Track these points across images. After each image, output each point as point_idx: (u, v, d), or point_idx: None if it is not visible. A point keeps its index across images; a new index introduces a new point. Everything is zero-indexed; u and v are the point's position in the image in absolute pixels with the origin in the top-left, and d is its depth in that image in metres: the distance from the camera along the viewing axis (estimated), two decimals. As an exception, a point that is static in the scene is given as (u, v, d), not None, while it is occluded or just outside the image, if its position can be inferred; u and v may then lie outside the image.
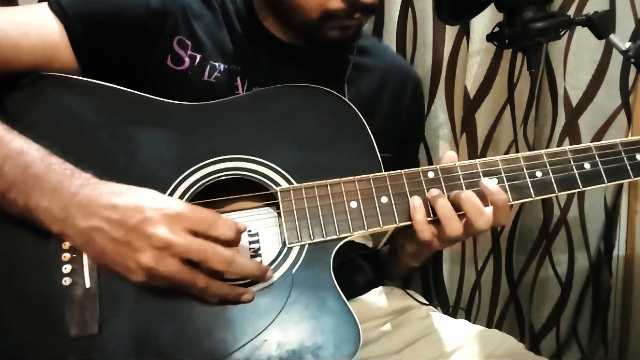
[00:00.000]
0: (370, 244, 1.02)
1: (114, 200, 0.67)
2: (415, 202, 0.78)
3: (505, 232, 1.39)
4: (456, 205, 0.77)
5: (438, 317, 0.98)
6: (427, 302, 1.01)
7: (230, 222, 0.69)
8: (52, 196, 0.67)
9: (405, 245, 0.88)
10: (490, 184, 0.78)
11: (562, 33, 0.87)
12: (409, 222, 0.78)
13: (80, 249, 0.70)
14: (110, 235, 0.65)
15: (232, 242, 0.69)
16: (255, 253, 0.79)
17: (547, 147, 1.28)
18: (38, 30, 0.78)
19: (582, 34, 1.19)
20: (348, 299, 0.73)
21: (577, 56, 1.22)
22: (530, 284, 1.41)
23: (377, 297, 0.99)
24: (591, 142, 0.95)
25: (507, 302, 1.46)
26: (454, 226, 0.76)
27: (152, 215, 0.65)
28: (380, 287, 1.01)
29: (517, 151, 0.85)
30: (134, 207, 0.66)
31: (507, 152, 1.30)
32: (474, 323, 1.04)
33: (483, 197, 0.78)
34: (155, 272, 0.65)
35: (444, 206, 0.76)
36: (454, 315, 1.12)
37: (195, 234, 0.67)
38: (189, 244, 0.65)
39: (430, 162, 1.25)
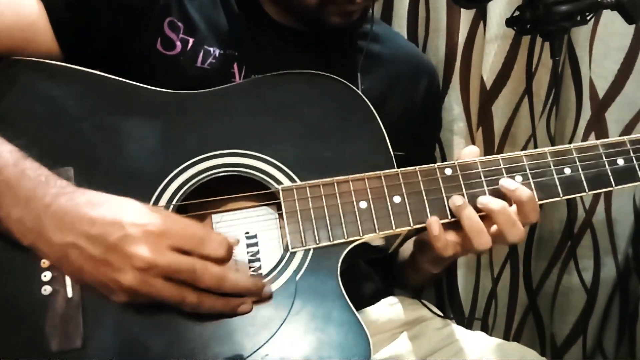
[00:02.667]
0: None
1: (91, 212, 0.65)
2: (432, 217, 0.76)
3: (523, 236, 1.39)
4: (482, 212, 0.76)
5: (454, 329, 0.98)
6: (441, 313, 1.00)
7: (220, 238, 0.67)
8: (25, 206, 0.65)
9: (425, 248, 0.87)
10: (508, 183, 0.77)
11: (588, 17, 0.87)
12: (425, 225, 0.77)
13: (56, 265, 0.68)
14: (87, 252, 0.64)
15: (222, 261, 0.67)
16: (254, 257, 0.78)
17: (570, 143, 1.26)
18: (14, 9, 0.77)
19: (610, 17, 1.18)
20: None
21: (604, 43, 1.20)
22: (551, 292, 1.41)
23: (387, 308, 0.98)
24: (620, 137, 0.94)
25: (526, 312, 1.46)
26: (482, 240, 0.75)
27: (133, 232, 0.63)
28: (391, 297, 1.00)
29: (536, 146, 0.84)
30: (113, 221, 0.64)
31: (525, 148, 1.29)
32: (490, 335, 1.04)
33: (504, 197, 0.77)
34: (138, 293, 0.64)
35: (470, 218, 0.75)
36: (469, 326, 1.11)
37: (182, 251, 0.65)
38: (176, 264, 0.64)
39: (443, 159, 1.24)
